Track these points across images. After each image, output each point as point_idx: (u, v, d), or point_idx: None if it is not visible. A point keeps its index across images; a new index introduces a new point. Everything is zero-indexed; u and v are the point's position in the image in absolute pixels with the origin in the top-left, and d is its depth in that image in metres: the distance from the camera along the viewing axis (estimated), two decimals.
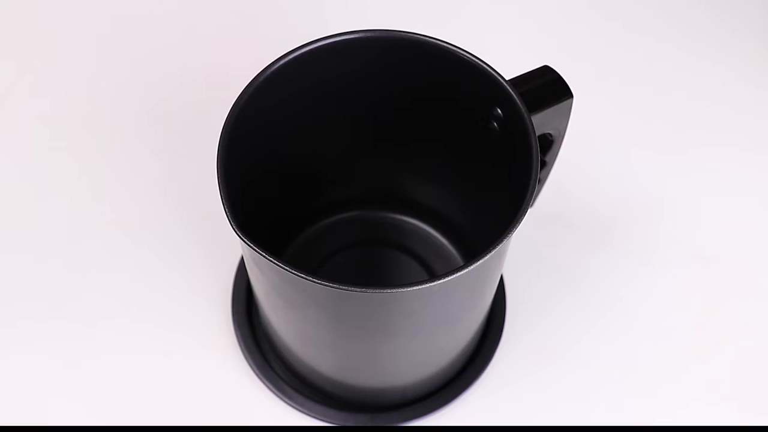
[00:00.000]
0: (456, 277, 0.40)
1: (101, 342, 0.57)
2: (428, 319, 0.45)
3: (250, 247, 0.39)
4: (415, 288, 0.39)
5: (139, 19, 0.69)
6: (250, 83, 0.43)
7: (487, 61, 0.44)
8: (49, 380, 0.56)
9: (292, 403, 0.55)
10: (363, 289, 0.39)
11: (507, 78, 0.45)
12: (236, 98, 0.43)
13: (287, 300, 0.45)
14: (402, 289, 0.39)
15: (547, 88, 0.46)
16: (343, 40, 0.45)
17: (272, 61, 0.44)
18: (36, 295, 0.58)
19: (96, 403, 0.55)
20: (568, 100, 0.47)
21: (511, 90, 0.44)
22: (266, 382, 0.55)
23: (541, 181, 0.54)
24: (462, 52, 0.45)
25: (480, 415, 0.56)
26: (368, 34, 0.45)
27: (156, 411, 0.55)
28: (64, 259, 0.59)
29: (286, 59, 0.44)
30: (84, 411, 0.55)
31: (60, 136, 0.63)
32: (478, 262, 0.40)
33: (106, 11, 0.69)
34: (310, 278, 0.39)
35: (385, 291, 0.40)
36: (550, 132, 0.49)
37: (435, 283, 0.40)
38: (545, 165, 0.52)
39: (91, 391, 0.55)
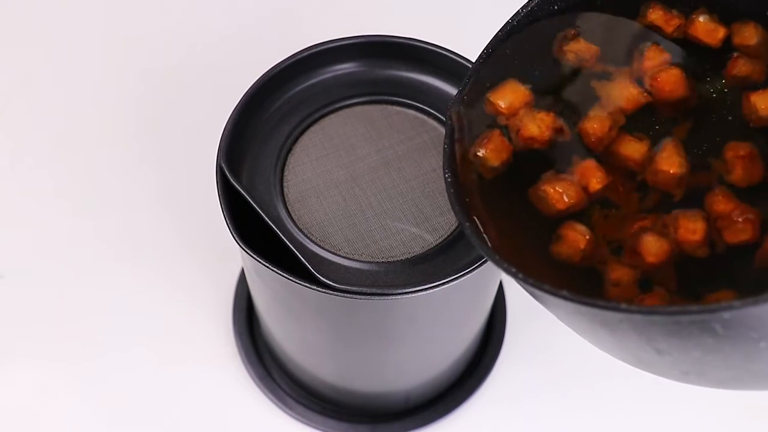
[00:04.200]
0: (457, 283, 0.40)
1: (102, 354, 0.57)
2: (428, 321, 0.45)
3: (251, 256, 0.39)
4: (415, 295, 0.40)
5: (139, 26, 0.69)
6: (247, 91, 0.43)
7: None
8: (49, 393, 0.56)
9: (294, 414, 0.55)
10: (365, 297, 0.39)
11: None
12: (235, 107, 0.43)
13: (288, 309, 0.45)
14: (403, 295, 0.39)
15: None
16: (337, 45, 0.45)
17: (271, 67, 0.44)
18: (36, 308, 0.58)
19: (97, 415, 0.55)
20: None
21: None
22: (267, 393, 0.55)
23: None
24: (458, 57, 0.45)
25: (481, 424, 0.56)
26: (361, 40, 0.45)
27: (157, 423, 0.55)
28: (64, 271, 0.59)
29: (285, 65, 0.44)
30: (84, 424, 0.55)
31: (58, 149, 0.63)
32: (478, 268, 0.40)
33: (106, 19, 0.69)
34: (313, 287, 0.39)
35: (386, 298, 0.40)
36: None
37: (435, 282, 0.40)
38: None
39: (92, 403, 0.55)
